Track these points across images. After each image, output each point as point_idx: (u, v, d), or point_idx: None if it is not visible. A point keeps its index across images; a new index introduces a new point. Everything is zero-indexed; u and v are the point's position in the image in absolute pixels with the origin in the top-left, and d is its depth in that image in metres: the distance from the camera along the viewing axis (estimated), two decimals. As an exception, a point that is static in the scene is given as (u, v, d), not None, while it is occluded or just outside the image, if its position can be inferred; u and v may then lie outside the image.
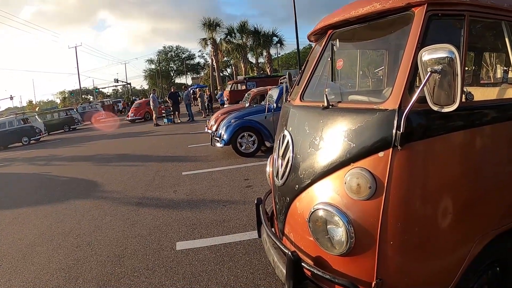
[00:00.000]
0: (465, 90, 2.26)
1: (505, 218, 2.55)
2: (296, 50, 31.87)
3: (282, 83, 10.93)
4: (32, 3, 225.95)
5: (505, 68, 4.58)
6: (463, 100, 2.24)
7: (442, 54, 1.98)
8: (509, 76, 4.16)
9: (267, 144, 10.91)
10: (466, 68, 4.98)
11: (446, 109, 2.05)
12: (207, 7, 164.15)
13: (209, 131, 13.32)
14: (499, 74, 5.27)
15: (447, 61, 1.97)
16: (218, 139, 11.13)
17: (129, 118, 34.16)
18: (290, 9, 26.59)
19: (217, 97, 29.33)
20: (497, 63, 5.06)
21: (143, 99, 42.45)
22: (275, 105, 10.60)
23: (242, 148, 10.84)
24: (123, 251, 5.20)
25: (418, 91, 2.07)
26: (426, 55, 2.04)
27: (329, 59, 2.96)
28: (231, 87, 32.52)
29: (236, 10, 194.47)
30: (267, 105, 10.94)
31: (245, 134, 10.80)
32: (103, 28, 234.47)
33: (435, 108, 2.08)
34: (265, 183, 7.56)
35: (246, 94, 18.64)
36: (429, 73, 2.02)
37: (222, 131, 11.09)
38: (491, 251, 2.51)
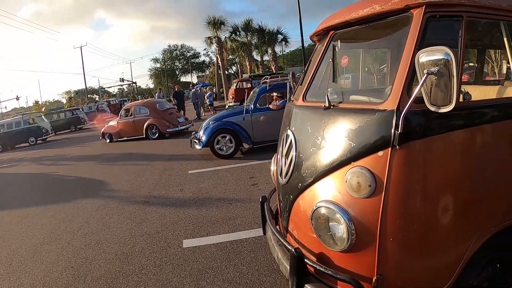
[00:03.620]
0: (462, 90, 2.31)
1: (504, 216, 2.59)
2: (301, 47, 31.78)
3: (266, 82, 11.19)
4: (28, 3, 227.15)
5: (508, 65, 4.59)
6: (461, 100, 2.30)
7: (438, 56, 2.03)
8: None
9: (245, 146, 10.94)
10: (471, 65, 5.04)
11: (442, 110, 2.10)
12: (205, 4, 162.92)
13: None
14: (504, 70, 5.29)
15: (443, 63, 2.02)
16: (197, 141, 11.20)
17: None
18: (290, 4, 26.82)
19: (206, 96, 28.59)
20: (503, 59, 5.06)
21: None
22: (252, 106, 10.76)
23: (221, 150, 10.92)
24: (131, 249, 5.30)
25: (415, 92, 2.12)
26: (423, 57, 2.09)
27: (330, 59, 3.02)
28: (236, 85, 32.50)
29: (235, 7, 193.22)
30: (245, 107, 10.99)
31: (225, 135, 10.89)
32: (103, 28, 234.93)
33: (432, 108, 2.13)
34: (271, 181, 7.59)
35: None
36: (425, 74, 2.07)
37: (201, 133, 11.17)
38: (490, 248, 2.55)
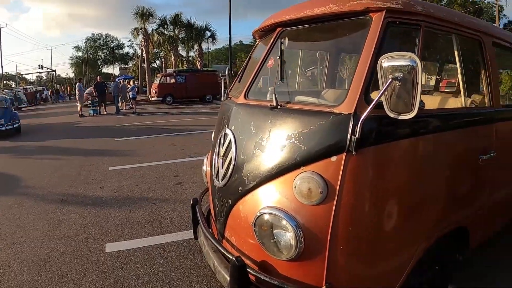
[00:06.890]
0: None
1: (445, 223, 2.69)
2: (226, 46, 31.82)
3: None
4: None
5: (437, 77, 4.74)
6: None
7: (403, 62, 1.98)
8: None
9: None
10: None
11: (403, 117, 2.06)
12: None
13: None
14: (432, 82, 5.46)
15: (408, 69, 1.98)
16: None
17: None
18: (214, 1, 26.65)
19: (128, 90, 27.24)
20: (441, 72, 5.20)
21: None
22: None
23: None
24: (48, 254, 4.82)
25: (377, 97, 2.06)
26: (386, 62, 2.03)
27: (277, 57, 2.88)
28: (160, 80, 31.91)
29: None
30: None
31: None
32: (17, 10, 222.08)
33: (391, 115, 2.08)
34: (196, 180, 7.52)
35: None
36: (390, 80, 2.00)
37: None
38: (433, 253, 2.63)
